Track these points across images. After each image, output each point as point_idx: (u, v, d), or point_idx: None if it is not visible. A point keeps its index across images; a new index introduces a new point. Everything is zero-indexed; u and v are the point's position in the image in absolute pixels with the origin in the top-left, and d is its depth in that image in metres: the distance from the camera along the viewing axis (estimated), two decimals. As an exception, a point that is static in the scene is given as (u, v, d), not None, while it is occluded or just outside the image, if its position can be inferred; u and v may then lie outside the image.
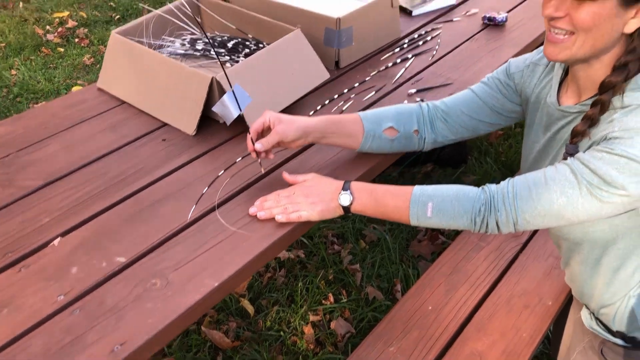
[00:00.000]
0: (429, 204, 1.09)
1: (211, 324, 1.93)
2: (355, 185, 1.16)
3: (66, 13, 4.03)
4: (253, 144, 1.22)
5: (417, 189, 1.11)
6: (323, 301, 2.01)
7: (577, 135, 1.05)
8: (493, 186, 1.08)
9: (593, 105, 1.03)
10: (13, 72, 3.40)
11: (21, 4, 4.21)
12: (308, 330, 1.91)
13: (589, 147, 1.02)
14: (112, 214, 1.21)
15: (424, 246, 2.22)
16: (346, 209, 1.15)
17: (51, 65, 3.48)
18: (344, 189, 1.14)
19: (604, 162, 0.97)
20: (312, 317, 1.96)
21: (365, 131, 1.28)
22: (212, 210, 1.21)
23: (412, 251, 2.20)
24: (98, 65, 3.47)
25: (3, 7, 4.15)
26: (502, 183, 1.08)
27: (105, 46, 3.57)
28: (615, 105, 1.01)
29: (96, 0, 4.23)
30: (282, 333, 1.91)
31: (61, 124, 1.49)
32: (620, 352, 1.23)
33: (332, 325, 1.93)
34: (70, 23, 3.90)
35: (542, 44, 1.10)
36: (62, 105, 1.57)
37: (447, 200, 1.09)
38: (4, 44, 3.67)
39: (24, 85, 3.27)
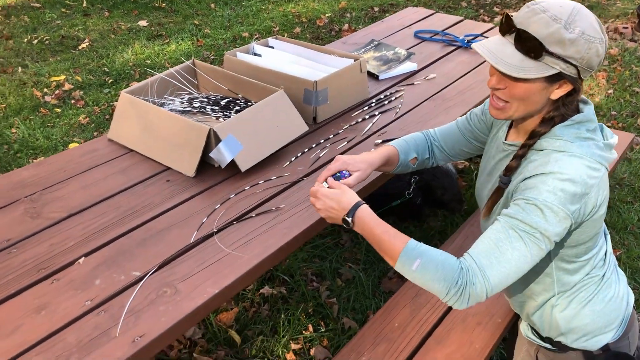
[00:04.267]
0: (417, 260, 1.21)
1: (202, 353, 2.12)
2: (360, 213, 1.30)
3: (62, 77, 4.32)
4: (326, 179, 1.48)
5: (412, 242, 1.24)
6: (303, 331, 2.22)
7: (509, 170, 1.32)
8: (464, 262, 1.22)
9: (521, 147, 1.31)
10: (13, 130, 3.65)
11: (20, 68, 4.50)
12: (290, 357, 2.11)
13: (517, 184, 1.28)
14: (126, 239, 1.44)
15: (394, 283, 2.45)
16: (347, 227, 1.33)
17: (49, 124, 3.73)
18: (349, 214, 1.31)
19: (524, 211, 1.21)
20: (293, 346, 2.16)
21: (400, 161, 1.59)
22: (211, 235, 1.46)
23: (383, 287, 2.43)
24: (93, 125, 3.73)
25: (3, 72, 4.43)
26: (467, 258, 1.23)
27: (100, 107, 3.87)
28: (536, 147, 1.29)
29: (90, 65, 4.53)
30: (266, 360, 2.11)
31: (78, 168, 1.74)
32: (551, 356, 1.48)
33: (312, 352, 2.13)
34: (67, 86, 4.18)
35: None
36: (77, 154, 1.82)
37: (433, 263, 1.21)
38: (4, 105, 3.92)
39: (23, 142, 3.51)
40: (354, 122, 2.01)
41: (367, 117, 2.05)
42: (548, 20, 1.17)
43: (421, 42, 2.69)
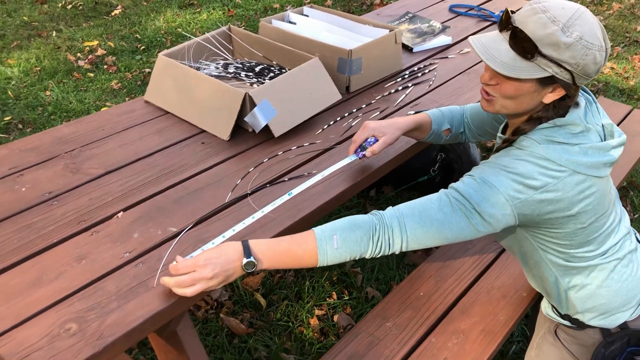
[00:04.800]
0: (334, 236, 1.19)
1: (228, 314, 2.18)
2: (255, 246, 1.17)
3: (95, 42, 4.38)
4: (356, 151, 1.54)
5: (317, 229, 1.21)
6: (327, 298, 2.26)
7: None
8: (379, 211, 1.25)
9: (503, 141, 1.31)
10: (47, 93, 3.72)
11: (54, 32, 4.56)
12: (313, 322, 2.15)
13: None
14: (163, 197, 1.48)
15: (418, 256, 2.47)
16: (251, 273, 1.18)
17: (82, 89, 3.79)
18: (246, 255, 1.15)
19: (464, 184, 1.24)
20: (317, 311, 2.20)
21: (432, 130, 1.61)
22: (245, 197, 1.49)
23: (407, 260, 2.46)
24: (125, 90, 3.78)
25: (38, 35, 4.50)
26: (388, 207, 1.26)
27: (131, 73, 3.91)
28: (516, 142, 1.28)
29: (123, 32, 4.58)
30: (290, 324, 2.15)
31: (115, 127, 1.78)
32: (569, 332, 1.50)
33: (335, 318, 2.17)
34: (100, 51, 4.23)
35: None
36: (115, 113, 1.85)
37: (347, 229, 1.20)
38: (39, 68, 3.99)
39: (57, 105, 3.58)
40: (387, 93, 2.01)
41: (400, 88, 2.05)
42: (546, 21, 1.15)
43: (456, 17, 2.67)
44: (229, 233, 1.35)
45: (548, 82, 1.19)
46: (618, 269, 1.39)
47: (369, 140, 1.54)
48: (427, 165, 2.62)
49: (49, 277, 1.21)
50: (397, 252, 1.24)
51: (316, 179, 1.53)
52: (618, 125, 2.67)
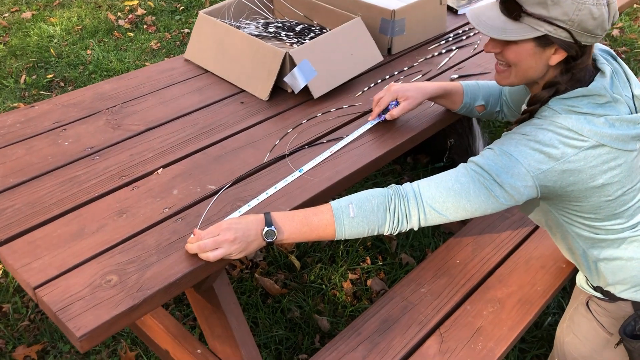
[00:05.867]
0: (350, 205, 1.19)
1: (263, 274, 2.20)
2: (276, 216, 1.18)
3: (136, 2, 4.38)
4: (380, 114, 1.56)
5: (334, 201, 1.21)
6: (361, 263, 2.26)
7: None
8: (396, 185, 1.25)
9: (523, 112, 1.28)
10: (88, 52, 3.75)
11: (95, -9, 4.59)
12: (347, 285, 2.16)
13: None
14: (202, 155, 1.48)
15: (455, 224, 2.44)
16: (271, 243, 1.18)
17: (122, 48, 3.81)
18: (267, 224, 1.16)
19: (483, 157, 1.21)
20: (350, 275, 2.20)
21: (463, 102, 1.58)
22: (283, 157, 1.48)
23: (443, 227, 2.43)
24: (164, 50, 3.79)
25: (79, -6, 4.53)
26: (406, 183, 1.25)
27: (170, 33, 3.91)
28: (537, 113, 1.25)
29: (162, -8, 4.57)
30: (324, 286, 2.16)
31: (156, 84, 1.78)
32: (601, 304, 1.48)
33: (369, 283, 2.17)
34: (140, 11, 4.24)
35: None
36: (155, 71, 1.86)
37: (363, 199, 1.21)
38: (80, 27, 4.03)
39: (98, 63, 3.61)
40: (430, 56, 1.96)
41: (443, 51, 1.99)
42: None
43: (504, -22, 2.57)
44: (272, 190, 1.35)
45: (546, 42, 1.17)
46: None
47: (391, 103, 1.53)
48: (442, 151, 2.58)
49: (90, 229, 1.23)
50: (415, 227, 1.23)
51: (341, 144, 1.51)
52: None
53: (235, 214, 1.27)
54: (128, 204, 1.31)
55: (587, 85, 1.22)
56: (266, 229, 1.16)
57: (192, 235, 1.18)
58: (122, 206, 1.30)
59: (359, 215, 1.19)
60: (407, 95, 1.51)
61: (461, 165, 1.24)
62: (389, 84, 1.52)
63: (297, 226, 1.18)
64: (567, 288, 2.05)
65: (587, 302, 1.52)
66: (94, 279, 1.11)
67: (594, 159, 1.18)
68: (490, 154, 1.21)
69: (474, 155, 2.34)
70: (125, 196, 1.34)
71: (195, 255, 1.17)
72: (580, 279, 1.55)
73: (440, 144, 2.57)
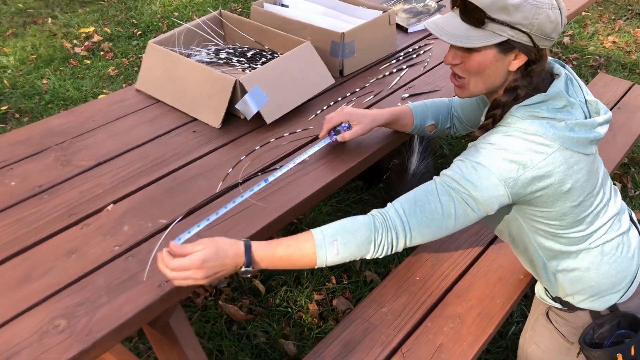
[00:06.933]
0: (334, 242, 1.17)
1: (227, 301, 2.18)
2: (257, 254, 1.15)
3: (92, 28, 4.34)
4: (329, 133, 1.56)
5: (317, 232, 1.19)
6: (326, 283, 2.26)
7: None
8: (381, 210, 1.23)
9: (486, 118, 1.31)
10: (44, 81, 3.70)
11: (50, 19, 4.53)
12: (312, 307, 2.16)
13: None
14: (154, 187, 1.47)
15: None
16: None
17: (79, 76, 3.77)
18: (246, 262, 1.13)
19: (457, 169, 1.23)
20: (316, 296, 2.20)
21: (414, 125, 1.60)
22: (236, 186, 1.47)
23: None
24: (122, 76, 3.75)
25: (33, 22, 4.46)
26: (389, 205, 1.24)
27: (128, 59, 3.88)
28: (501, 122, 1.28)
29: (119, 17, 4.53)
30: (289, 309, 2.16)
31: (107, 117, 1.76)
32: (561, 314, 1.51)
33: (334, 303, 2.17)
34: (96, 38, 4.20)
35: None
36: (106, 103, 1.84)
37: (349, 234, 1.18)
38: (35, 56, 3.97)
39: (54, 93, 3.56)
40: (381, 76, 1.99)
41: (394, 70, 2.02)
42: None
43: (453, -6, 2.62)
44: (212, 217, 1.34)
45: (507, 48, 1.20)
46: (607, 251, 1.38)
47: (343, 124, 1.55)
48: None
49: (38, 272, 1.21)
50: (399, 250, 1.24)
51: (290, 165, 1.51)
52: (618, 101, 2.63)
53: (185, 235, 1.25)
54: (77, 243, 1.29)
55: (545, 91, 1.25)
56: (243, 269, 1.14)
57: (163, 251, 1.11)
58: (71, 246, 1.28)
59: (343, 252, 1.19)
60: (360, 120, 1.53)
61: (437, 181, 1.24)
62: (341, 106, 1.54)
63: (277, 262, 1.18)
64: (528, 295, 2.08)
65: (547, 313, 1.54)
66: (41, 324, 1.09)
67: (560, 163, 1.21)
68: (462, 166, 1.22)
69: (410, 172, 2.36)
70: (75, 235, 1.31)
71: (148, 293, 1.16)
72: (539, 289, 1.58)
73: (383, 164, 2.56)
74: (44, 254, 1.26)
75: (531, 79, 1.25)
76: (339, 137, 1.55)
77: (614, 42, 3.95)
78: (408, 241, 1.22)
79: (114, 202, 1.41)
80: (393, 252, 1.24)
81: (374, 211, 1.25)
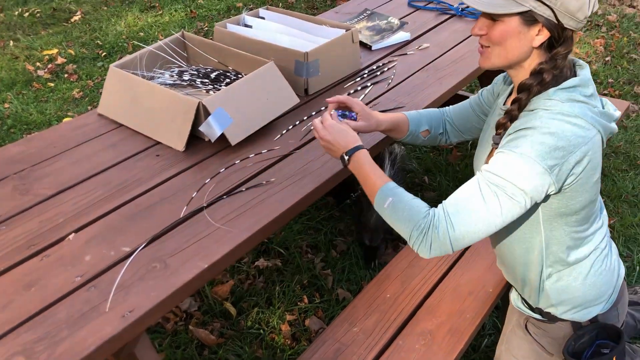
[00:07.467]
0: (389, 198, 1.29)
1: (197, 325, 2.14)
2: (357, 155, 1.37)
3: (55, 50, 4.28)
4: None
5: (391, 184, 1.32)
6: (298, 302, 2.24)
7: (499, 127, 1.31)
8: (435, 210, 1.25)
9: (512, 103, 1.29)
10: (6, 105, 3.62)
11: (11, 42, 4.45)
12: (285, 327, 2.13)
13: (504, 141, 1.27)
14: (116, 214, 1.44)
15: (389, 254, 2.46)
16: (344, 163, 1.40)
17: (42, 99, 3.70)
18: (348, 153, 1.38)
19: (500, 162, 1.20)
20: (288, 317, 2.18)
21: (409, 131, 1.63)
22: (201, 210, 1.46)
23: (377, 258, 2.45)
24: (87, 99, 3.70)
25: (-6, 46, 4.39)
26: (439, 207, 1.25)
27: (93, 81, 3.84)
28: (529, 107, 1.26)
29: (83, 39, 4.48)
30: (261, 331, 2.13)
31: (68, 143, 1.73)
32: (540, 326, 1.50)
33: (307, 322, 2.15)
34: (60, 60, 4.14)
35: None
36: (67, 128, 1.81)
37: (402, 203, 1.27)
38: (-4, 80, 3.90)
39: (17, 117, 3.49)
40: (346, 94, 1.99)
41: (359, 88, 2.03)
42: None
43: (415, 11, 2.66)
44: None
45: (530, 20, 1.20)
46: (597, 262, 1.40)
47: (352, 114, 1.57)
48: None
49: (-5, 307, 1.17)
50: (445, 253, 1.24)
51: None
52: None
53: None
54: (37, 275, 1.26)
55: (575, 75, 1.26)
56: (344, 156, 1.38)
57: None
58: (30, 279, 1.25)
59: (389, 212, 1.29)
60: (367, 118, 1.55)
61: (479, 178, 1.22)
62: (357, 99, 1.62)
63: (356, 172, 1.38)
64: (499, 306, 2.09)
65: (526, 325, 1.54)
66: (-2, 363, 1.06)
67: (597, 149, 1.23)
68: (505, 158, 1.19)
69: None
70: (35, 267, 1.28)
71: (111, 324, 1.13)
72: (515, 298, 1.58)
73: (353, 180, 2.55)
74: (2, 288, 1.22)
75: (556, 63, 1.23)
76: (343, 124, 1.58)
77: (575, 53, 4.05)
78: (451, 241, 1.21)
79: (76, 231, 1.38)
80: (444, 252, 1.23)
81: (432, 209, 1.26)
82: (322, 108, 1.90)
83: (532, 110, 1.24)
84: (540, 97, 1.25)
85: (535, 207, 1.30)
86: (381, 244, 2.42)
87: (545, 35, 1.21)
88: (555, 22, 1.19)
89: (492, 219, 1.20)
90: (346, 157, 1.38)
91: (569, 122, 1.19)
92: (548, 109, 1.21)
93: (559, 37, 1.22)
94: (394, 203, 1.28)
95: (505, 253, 1.47)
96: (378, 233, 2.33)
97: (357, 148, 1.38)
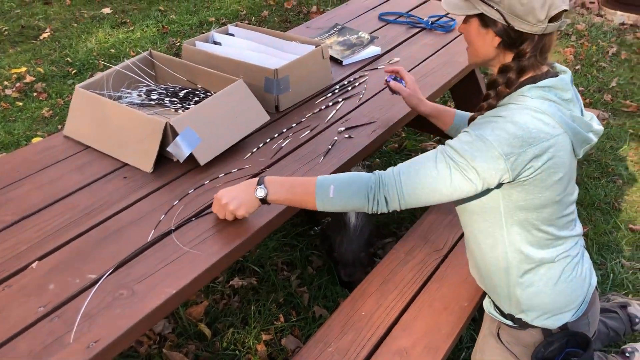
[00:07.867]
0: (331, 186, 1.32)
1: (172, 348, 2.10)
2: (268, 179, 1.38)
3: (23, 69, 4.21)
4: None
5: (320, 177, 1.35)
6: (274, 321, 2.21)
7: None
8: (381, 171, 1.34)
9: (484, 98, 1.36)
10: (-27, 126, 3.54)
11: (-22, 61, 4.37)
12: (261, 347, 2.10)
13: None
14: (82, 240, 1.40)
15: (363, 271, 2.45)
16: (263, 201, 1.37)
17: (10, 119, 3.63)
18: (259, 184, 1.36)
19: (458, 140, 1.28)
20: (264, 336, 2.15)
21: (454, 124, 1.71)
22: (169, 233, 1.43)
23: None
24: (57, 118, 3.64)
25: (-39, 65, 4.30)
26: (388, 169, 1.34)
27: (64, 99, 3.77)
28: (503, 101, 1.33)
29: (53, 56, 4.41)
30: (237, 352, 2.09)
31: (32, 167, 1.68)
32: (512, 334, 1.51)
33: (283, 342, 2.12)
34: (28, 78, 4.07)
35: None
36: (32, 152, 1.76)
37: (345, 182, 1.33)
38: (-38, 100, 3.81)
39: (-16, 138, 3.41)
40: (318, 110, 1.98)
41: (330, 104, 2.02)
42: None
43: (385, 25, 2.66)
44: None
45: (487, 23, 1.29)
46: (567, 268, 1.41)
47: (403, 82, 1.79)
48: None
49: (-47, 343, 1.13)
50: (397, 209, 1.32)
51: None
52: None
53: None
54: (-2, 307, 1.21)
55: (555, 76, 1.31)
56: (258, 189, 1.35)
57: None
58: (-9, 311, 1.20)
59: (337, 197, 1.31)
60: (414, 92, 1.76)
61: (439, 149, 1.30)
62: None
63: (282, 191, 1.36)
64: (476, 318, 2.09)
65: (498, 333, 1.55)
66: (-45, 402, 1.01)
67: (561, 148, 1.26)
68: (466, 138, 1.27)
69: (347, 229, 2.32)
70: (-5, 298, 1.24)
71: (75, 356, 1.10)
72: (487, 305, 1.58)
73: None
74: (-39, 322, 1.18)
75: (520, 62, 1.30)
76: (392, 84, 1.81)
77: (545, 63, 4.11)
78: (401, 200, 1.29)
79: (39, 259, 1.34)
80: (388, 209, 1.31)
81: (376, 171, 1.34)
82: (293, 125, 1.89)
83: (505, 105, 1.31)
84: (515, 93, 1.31)
85: (496, 196, 1.34)
86: (359, 277, 2.37)
87: (499, 36, 1.29)
88: (506, 24, 1.26)
89: (439, 185, 1.27)
90: (262, 186, 1.36)
91: (534, 117, 1.25)
92: (518, 103, 1.29)
93: (516, 39, 1.28)
94: (336, 187, 1.31)
95: (474, 250, 1.50)
96: (355, 267, 2.30)
97: (262, 175, 1.39)
